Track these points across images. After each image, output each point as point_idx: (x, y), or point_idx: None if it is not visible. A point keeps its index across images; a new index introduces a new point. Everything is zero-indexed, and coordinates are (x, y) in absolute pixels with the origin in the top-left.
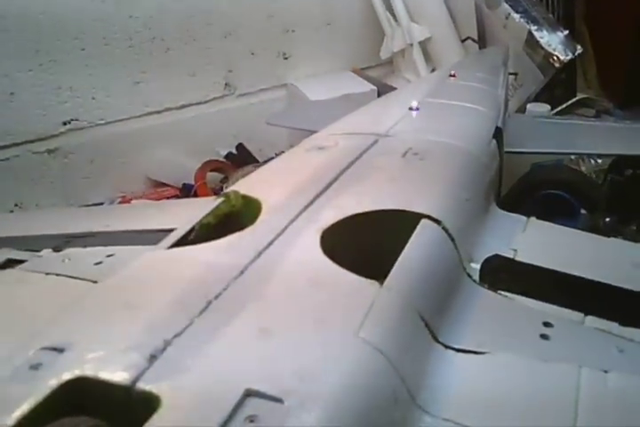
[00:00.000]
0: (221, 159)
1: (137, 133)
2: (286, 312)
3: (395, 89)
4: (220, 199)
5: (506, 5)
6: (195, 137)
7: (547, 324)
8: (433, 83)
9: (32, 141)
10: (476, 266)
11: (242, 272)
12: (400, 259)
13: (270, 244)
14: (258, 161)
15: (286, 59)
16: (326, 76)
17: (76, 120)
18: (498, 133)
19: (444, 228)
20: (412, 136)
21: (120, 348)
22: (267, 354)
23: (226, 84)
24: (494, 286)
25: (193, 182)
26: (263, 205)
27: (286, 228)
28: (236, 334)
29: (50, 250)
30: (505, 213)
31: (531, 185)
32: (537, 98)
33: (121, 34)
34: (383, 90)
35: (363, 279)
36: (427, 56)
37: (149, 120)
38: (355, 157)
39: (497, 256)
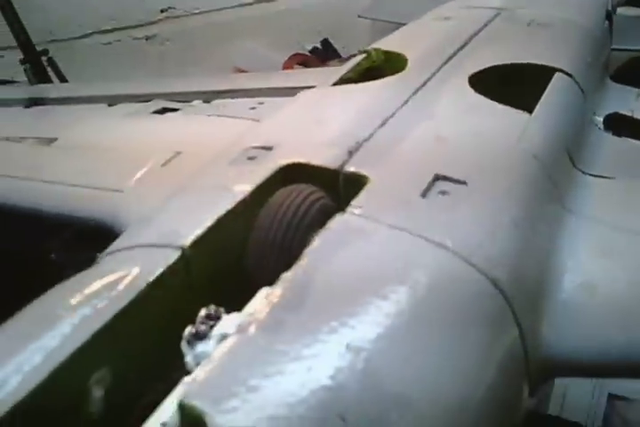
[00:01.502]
0: (307, 53)
1: (228, 24)
2: (455, 126)
3: None
4: (361, 56)
5: None
6: (282, 30)
7: None
8: None
9: (132, 27)
10: (600, 119)
11: (406, 102)
12: (542, 99)
13: (424, 84)
14: (341, 56)
15: None
16: None
17: (173, 8)
18: (609, 16)
19: (575, 81)
20: (532, 10)
21: (321, 146)
22: (447, 151)
23: None
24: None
25: None
26: (409, 57)
27: (436, 72)
28: (417, 140)
29: (200, 101)
30: (618, 84)
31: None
32: (628, 1)
33: None
34: None
35: (513, 109)
36: None
37: (241, 12)
38: (482, 25)
39: (617, 113)
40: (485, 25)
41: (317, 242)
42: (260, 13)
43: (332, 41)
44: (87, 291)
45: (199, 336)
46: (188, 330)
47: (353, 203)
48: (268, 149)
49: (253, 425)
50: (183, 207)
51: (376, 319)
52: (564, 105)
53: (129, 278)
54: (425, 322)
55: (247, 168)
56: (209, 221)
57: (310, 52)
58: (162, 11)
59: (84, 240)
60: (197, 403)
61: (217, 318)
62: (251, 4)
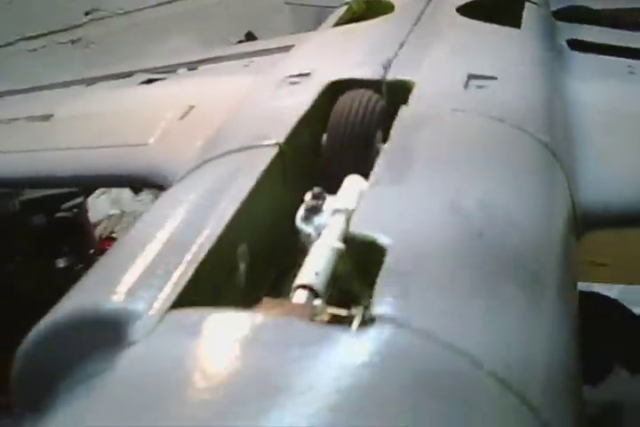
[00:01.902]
0: None
1: (153, 24)
2: (463, 41)
3: None
4: (343, 8)
5: None
6: (207, 26)
7: (630, 66)
8: None
9: (57, 32)
10: (564, 43)
11: (411, 31)
12: (524, 19)
13: (420, 17)
14: None
15: None
16: None
17: (98, 10)
18: None
19: (540, 7)
20: None
21: (354, 66)
22: (468, 57)
23: None
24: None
25: None
26: (394, 1)
27: (425, 8)
28: (438, 54)
29: (185, 69)
30: (559, 22)
31: None
32: None
33: None
34: None
35: (502, 26)
36: None
37: (165, 10)
38: None
39: (575, 39)
40: None
41: (399, 123)
42: (183, 10)
43: (255, 33)
44: (210, 186)
45: (315, 211)
46: (303, 208)
47: (412, 96)
48: (306, 75)
49: (407, 242)
50: (256, 119)
51: (474, 173)
52: (541, 23)
53: (243, 171)
54: (506, 173)
55: (296, 89)
56: (292, 123)
57: None
58: (86, 13)
59: None
60: (363, 232)
61: (323, 197)
62: (171, 1)
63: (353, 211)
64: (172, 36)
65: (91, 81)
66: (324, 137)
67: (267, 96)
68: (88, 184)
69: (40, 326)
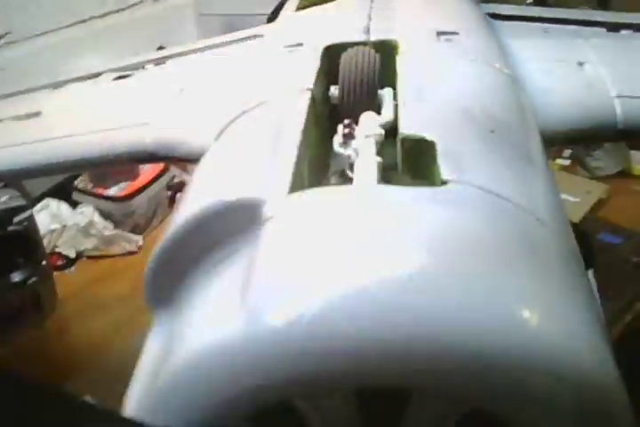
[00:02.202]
0: None
1: (66, 44)
2: (419, 9)
3: None
4: (295, 0)
5: None
6: (119, 44)
7: (544, 28)
8: None
9: None
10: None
11: (372, 7)
12: None
13: None
14: None
15: None
16: None
17: (10, 33)
18: None
19: None
20: None
21: (339, 34)
22: (431, 20)
23: None
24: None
25: None
26: None
27: None
28: (404, 18)
29: (152, 65)
30: None
31: None
32: None
33: None
34: None
35: None
36: None
37: (76, 30)
38: None
39: (493, 13)
40: None
41: (400, 66)
42: (94, 30)
43: (166, 46)
44: (264, 125)
45: (350, 137)
46: (339, 135)
47: (400, 50)
48: (299, 44)
49: (448, 136)
50: (273, 77)
51: (473, 91)
52: None
53: (290, 112)
54: (493, 89)
55: (296, 55)
56: (313, 73)
57: None
58: None
59: None
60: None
61: (353, 127)
62: (85, 20)
63: (381, 135)
64: (85, 54)
65: (58, 84)
66: (332, 89)
67: (271, 62)
68: (96, 166)
69: (174, 225)
